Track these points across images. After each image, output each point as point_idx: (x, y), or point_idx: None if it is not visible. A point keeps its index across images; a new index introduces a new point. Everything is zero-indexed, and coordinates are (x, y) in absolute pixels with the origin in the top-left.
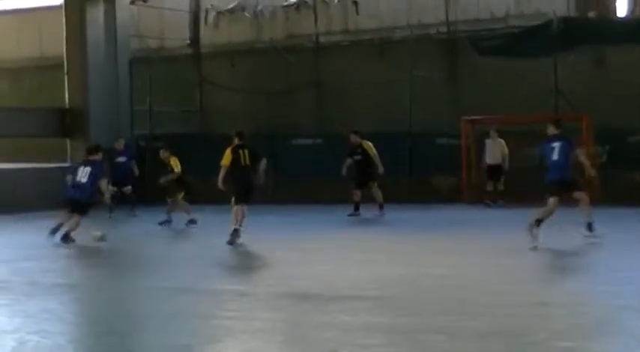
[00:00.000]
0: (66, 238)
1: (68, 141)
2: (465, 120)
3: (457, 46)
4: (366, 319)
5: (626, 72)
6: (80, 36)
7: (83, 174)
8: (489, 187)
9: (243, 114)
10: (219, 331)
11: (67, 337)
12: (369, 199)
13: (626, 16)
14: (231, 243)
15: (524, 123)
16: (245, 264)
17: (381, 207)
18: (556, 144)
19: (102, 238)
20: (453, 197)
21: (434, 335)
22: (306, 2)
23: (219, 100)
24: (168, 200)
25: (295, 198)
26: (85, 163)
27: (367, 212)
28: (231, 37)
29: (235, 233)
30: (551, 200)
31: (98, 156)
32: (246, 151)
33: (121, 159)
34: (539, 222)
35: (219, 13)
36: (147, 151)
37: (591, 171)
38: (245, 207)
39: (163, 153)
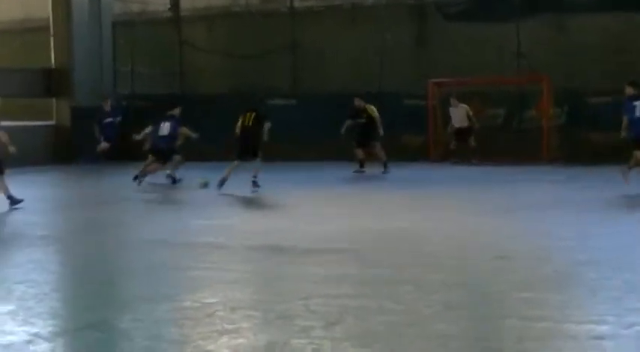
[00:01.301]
0: (138, 178)
1: (54, 101)
2: (431, 82)
3: (425, 12)
4: (337, 271)
5: (585, 36)
6: None
7: (165, 128)
8: (452, 146)
9: (222, 75)
10: (197, 282)
11: (51, 286)
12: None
13: None
14: (220, 186)
15: (489, 85)
16: (223, 218)
17: (385, 166)
18: (637, 103)
19: (205, 185)
20: (420, 155)
21: (401, 286)
22: None
23: (199, 62)
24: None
25: (271, 157)
26: (166, 118)
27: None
28: (210, 1)
29: (221, 182)
30: (636, 152)
31: (176, 112)
32: (252, 114)
33: (109, 119)
34: (630, 168)
35: None
36: (129, 110)
37: None
38: (256, 163)
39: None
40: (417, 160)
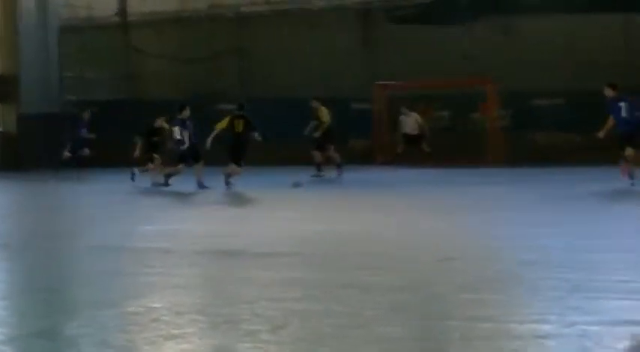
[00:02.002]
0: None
1: (0, 107)
2: (377, 86)
3: (372, 16)
4: (285, 274)
5: (531, 38)
6: (12, 4)
7: (176, 132)
8: (400, 150)
9: (171, 81)
10: (143, 287)
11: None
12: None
13: None
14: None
15: (435, 88)
16: (173, 224)
17: (338, 167)
18: (622, 104)
19: (297, 184)
20: (367, 158)
21: (347, 290)
22: None
23: (148, 68)
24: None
25: (219, 162)
26: (175, 122)
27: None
28: (157, 6)
29: (227, 181)
30: (627, 149)
31: (185, 114)
32: (241, 121)
33: (84, 131)
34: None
35: None
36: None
37: None
38: (239, 168)
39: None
40: (363, 164)
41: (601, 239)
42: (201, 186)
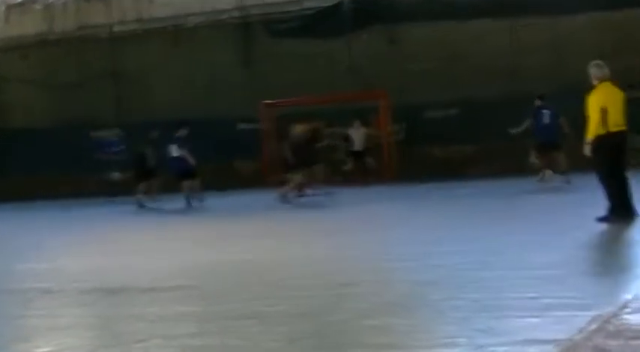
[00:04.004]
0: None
1: None
2: (263, 104)
3: (251, 30)
4: (177, 309)
5: (417, 48)
6: None
7: (174, 150)
8: (348, 167)
9: (40, 107)
10: (27, 330)
11: None
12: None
13: None
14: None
15: (324, 103)
16: (52, 260)
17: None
18: (545, 112)
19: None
20: (254, 181)
21: (244, 321)
22: None
23: (15, 95)
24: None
25: (101, 191)
26: (175, 140)
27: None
28: (23, 29)
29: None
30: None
31: (182, 133)
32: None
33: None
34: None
35: (9, 6)
36: None
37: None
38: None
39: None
40: (251, 186)
41: (503, 254)
42: (201, 200)
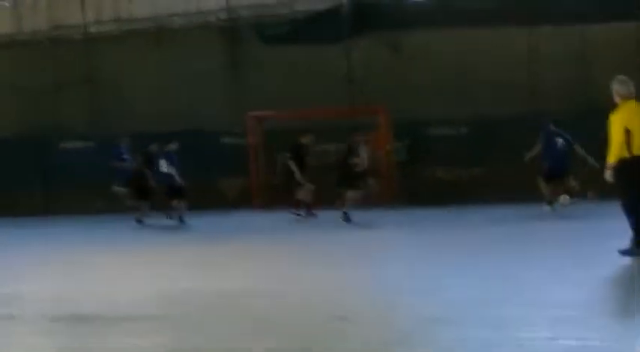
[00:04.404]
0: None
1: None
2: (250, 117)
3: (240, 34)
4: (149, 341)
5: (423, 58)
6: None
7: (163, 165)
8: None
9: (6, 114)
10: None
11: None
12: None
13: None
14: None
15: (318, 118)
16: (17, 284)
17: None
18: (559, 140)
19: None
20: (242, 201)
21: None
22: None
23: None
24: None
25: (71, 209)
26: (164, 155)
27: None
28: None
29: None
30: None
31: (172, 147)
32: None
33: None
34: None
35: None
36: None
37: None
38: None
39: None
40: (238, 207)
41: (519, 290)
42: (182, 220)
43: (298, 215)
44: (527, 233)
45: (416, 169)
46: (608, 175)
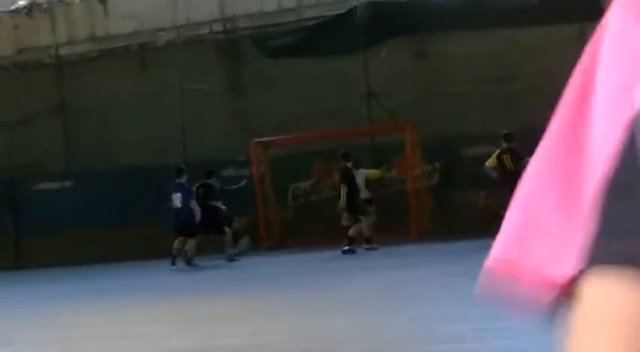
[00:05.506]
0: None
1: None
2: (255, 143)
3: (239, 48)
4: None
5: (454, 65)
6: None
7: (177, 199)
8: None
9: None
10: None
11: None
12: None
13: None
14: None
15: (332, 140)
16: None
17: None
18: None
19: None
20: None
21: None
22: (40, 4)
23: None
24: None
25: (48, 259)
26: (175, 188)
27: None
28: None
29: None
30: None
31: (183, 180)
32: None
33: None
34: None
35: None
36: None
37: None
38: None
39: None
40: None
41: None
42: (190, 263)
43: (374, 248)
44: None
45: (450, 195)
46: None
